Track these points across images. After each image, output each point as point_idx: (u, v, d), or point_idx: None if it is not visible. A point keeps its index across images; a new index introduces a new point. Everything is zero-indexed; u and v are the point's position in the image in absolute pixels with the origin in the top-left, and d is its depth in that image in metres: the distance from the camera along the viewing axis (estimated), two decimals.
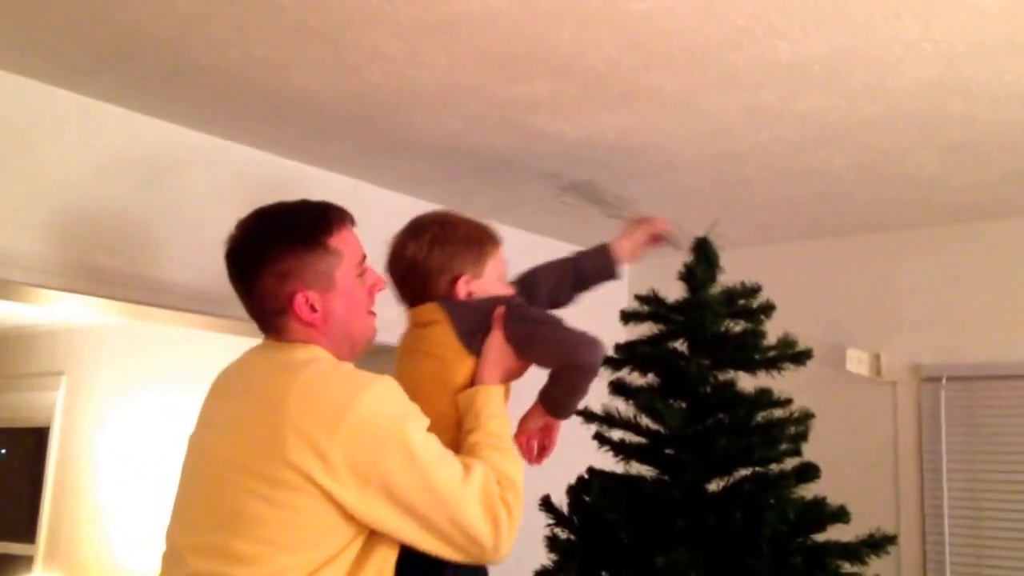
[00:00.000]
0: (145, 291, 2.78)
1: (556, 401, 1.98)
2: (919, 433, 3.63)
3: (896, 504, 3.61)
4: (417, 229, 2.02)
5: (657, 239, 2.46)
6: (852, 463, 3.65)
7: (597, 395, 2.64)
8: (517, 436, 2.02)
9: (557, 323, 1.99)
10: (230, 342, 3.28)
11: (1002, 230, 3.56)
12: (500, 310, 1.94)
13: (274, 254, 1.75)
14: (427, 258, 1.97)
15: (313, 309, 1.75)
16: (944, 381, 3.58)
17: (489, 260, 2.02)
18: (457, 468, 1.71)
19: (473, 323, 1.93)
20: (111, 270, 2.69)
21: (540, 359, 1.96)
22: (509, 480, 1.75)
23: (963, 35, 2.15)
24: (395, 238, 2.04)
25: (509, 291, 2.09)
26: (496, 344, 1.92)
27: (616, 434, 2.65)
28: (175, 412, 4.80)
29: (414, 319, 2.01)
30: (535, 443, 2.05)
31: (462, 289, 1.97)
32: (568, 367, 1.94)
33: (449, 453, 1.73)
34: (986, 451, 3.51)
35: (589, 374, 1.95)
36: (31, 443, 6.06)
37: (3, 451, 6.49)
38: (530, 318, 1.98)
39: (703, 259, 2.60)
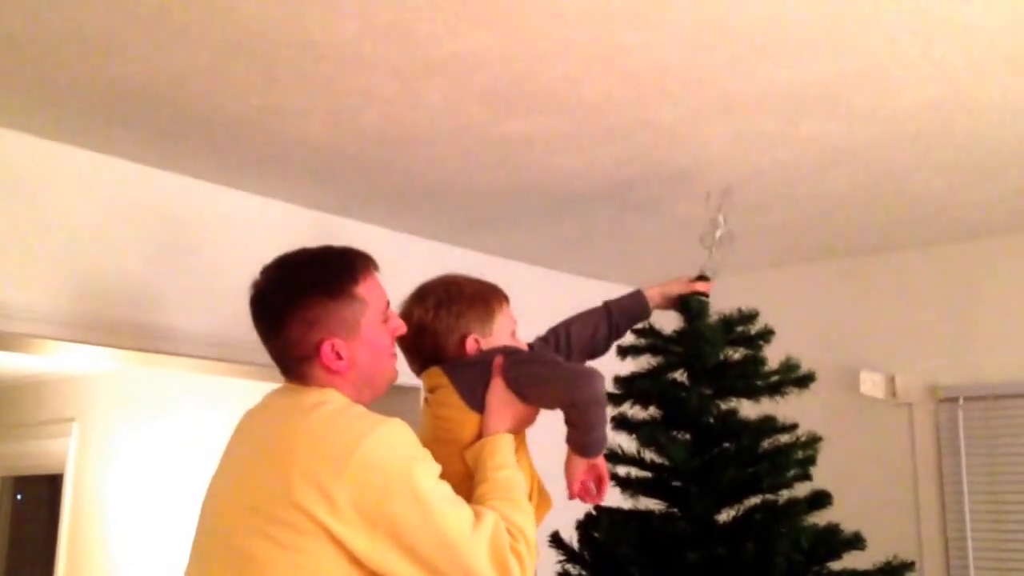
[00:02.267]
0: (156, 340, 2.82)
1: (579, 442, 1.97)
2: (938, 455, 3.60)
3: (917, 529, 3.58)
4: (422, 294, 2.04)
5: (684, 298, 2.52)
6: (870, 488, 3.62)
7: None
8: (570, 486, 2.02)
9: (553, 362, 2.00)
10: (242, 387, 3.31)
11: (1015, 245, 3.55)
12: (499, 359, 1.94)
13: (301, 303, 1.75)
14: (434, 320, 1.97)
15: (339, 356, 1.75)
16: (961, 401, 3.56)
17: (498, 317, 2.03)
18: (468, 516, 1.68)
19: (473, 378, 1.93)
20: (122, 321, 2.73)
21: (541, 400, 1.95)
22: (519, 530, 1.73)
23: (963, 54, 2.15)
24: (401, 305, 2.05)
25: (521, 347, 2.09)
26: (498, 392, 1.91)
27: (621, 470, 2.63)
28: (186, 455, 4.81)
29: (424, 385, 2.02)
30: (591, 484, 2.04)
31: (472, 349, 1.98)
32: (572, 404, 1.93)
33: (460, 500, 1.71)
34: (1008, 471, 3.48)
35: (594, 406, 1.92)
36: (46, 490, 6.09)
37: (19, 496, 6.52)
38: (527, 360, 1.98)
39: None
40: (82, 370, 5.54)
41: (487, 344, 1.99)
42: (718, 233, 2.67)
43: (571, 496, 2.02)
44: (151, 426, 5.22)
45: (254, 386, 3.22)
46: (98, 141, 2.66)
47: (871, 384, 3.65)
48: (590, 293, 4.10)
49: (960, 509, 3.51)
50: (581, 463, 2.00)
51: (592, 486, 2.03)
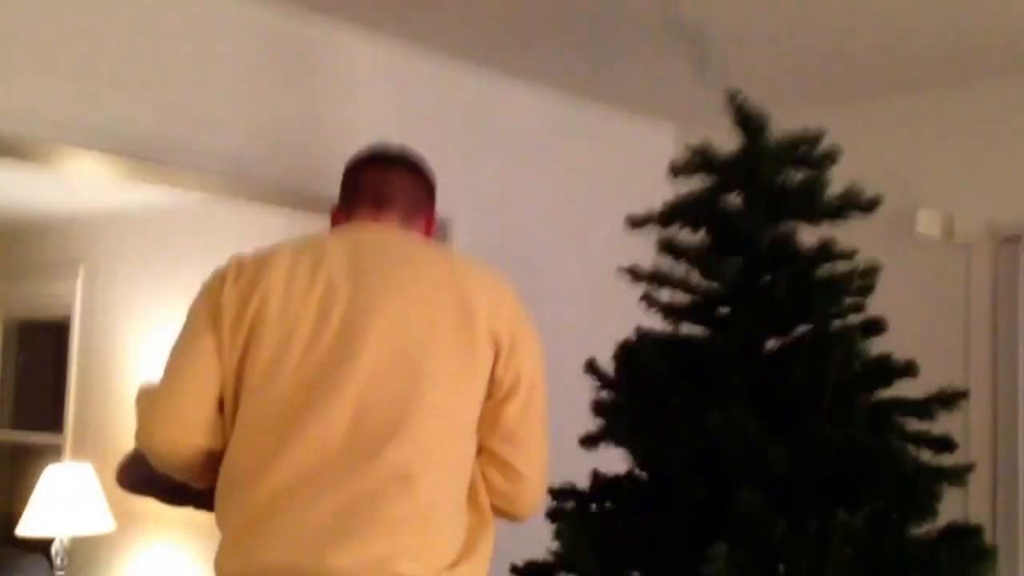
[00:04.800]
0: (160, 153, 2.85)
1: None
2: (994, 299, 3.55)
3: (966, 375, 3.52)
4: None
5: None
6: (921, 333, 3.57)
7: (645, 255, 2.60)
8: None
9: None
10: (252, 227, 3.32)
11: None
12: None
13: (431, 181, 2.17)
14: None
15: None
16: None
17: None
18: None
19: None
20: (135, 130, 2.78)
21: None
22: None
23: None
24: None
25: None
26: None
27: (665, 295, 2.59)
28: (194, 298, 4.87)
29: None
30: None
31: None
32: None
33: None
34: None
35: None
36: (52, 333, 6.17)
37: (22, 357, 6.63)
38: None
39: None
40: (89, 211, 5.56)
41: None
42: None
43: None
44: (160, 269, 5.25)
45: (263, 220, 3.25)
46: None
47: (928, 223, 3.58)
48: (619, 123, 4.07)
49: (1013, 354, 3.49)
50: None
51: None
